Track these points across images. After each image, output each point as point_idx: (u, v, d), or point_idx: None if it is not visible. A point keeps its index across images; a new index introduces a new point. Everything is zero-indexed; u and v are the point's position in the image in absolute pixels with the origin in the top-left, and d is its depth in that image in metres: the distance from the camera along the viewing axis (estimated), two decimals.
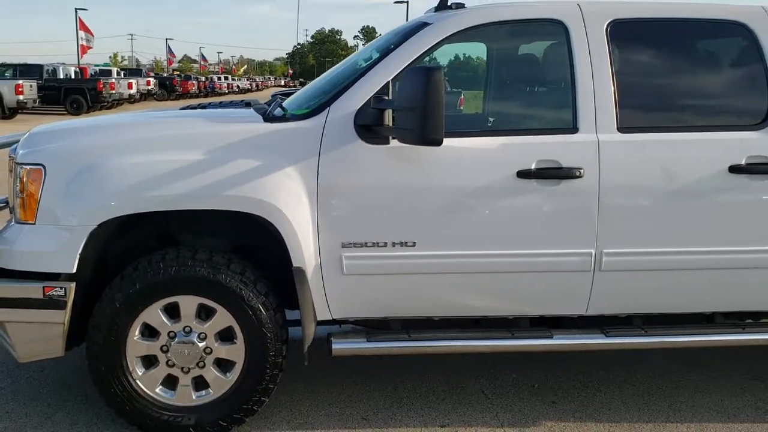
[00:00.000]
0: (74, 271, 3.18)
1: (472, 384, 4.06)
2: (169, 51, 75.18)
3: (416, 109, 2.96)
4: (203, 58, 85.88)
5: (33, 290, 3.18)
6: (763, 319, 3.85)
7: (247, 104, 4.08)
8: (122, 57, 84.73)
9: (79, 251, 3.16)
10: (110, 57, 79.88)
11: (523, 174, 3.33)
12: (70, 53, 37.82)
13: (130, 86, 32.61)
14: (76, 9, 40.75)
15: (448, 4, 3.70)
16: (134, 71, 49.56)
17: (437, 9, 3.72)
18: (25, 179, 3.24)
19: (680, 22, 3.62)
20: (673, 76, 3.60)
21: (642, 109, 3.50)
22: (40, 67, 28.96)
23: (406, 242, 3.33)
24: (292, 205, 3.21)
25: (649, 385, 4.08)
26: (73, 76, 31.23)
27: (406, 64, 3.34)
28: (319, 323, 3.52)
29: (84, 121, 4.08)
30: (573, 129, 3.39)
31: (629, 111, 3.43)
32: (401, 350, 3.51)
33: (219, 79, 62.60)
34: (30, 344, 3.30)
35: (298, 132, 3.31)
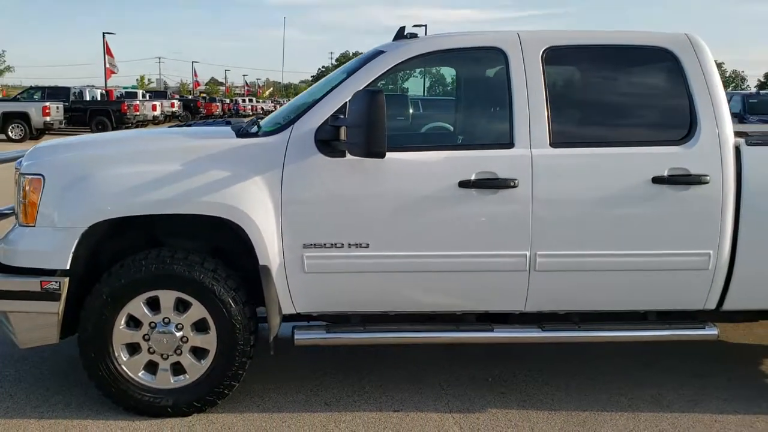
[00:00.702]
0: (68, 267, 3.65)
1: (431, 378, 4.45)
2: (195, 73, 76.67)
3: (362, 126, 3.40)
4: (226, 80, 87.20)
5: (32, 284, 3.65)
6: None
7: (228, 122, 4.55)
8: (149, 80, 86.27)
9: (72, 250, 3.63)
10: (137, 80, 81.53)
11: (464, 184, 3.74)
12: (100, 76, 38.94)
13: (154, 108, 33.53)
14: (103, 33, 41.98)
15: (405, 34, 4.14)
16: (159, 93, 50.72)
17: (395, 38, 4.16)
18: (27, 187, 3.73)
19: (610, 48, 4.04)
20: (602, 96, 4.02)
21: (573, 126, 3.91)
22: (67, 89, 29.98)
23: (360, 243, 3.75)
24: (258, 210, 3.66)
25: (594, 380, 4.44)
26: (99, 98, 32.20)
27: (361, 88, 3.77)
28: (288, 318, 3.95)
29: (81, 137, 4.58)
30: (509, 144, 3.81)
31: (561, 128, 3.83)
32: (356, 341, 3.93)
33: (243, 101, 63.66)
34: (29, 332, 3.76)
35: (265, 146, 3.77)
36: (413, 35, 4.10)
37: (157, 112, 33.84)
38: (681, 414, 4.00)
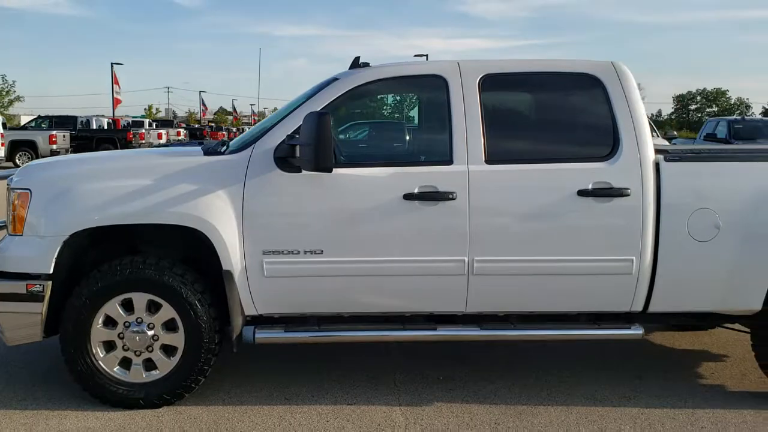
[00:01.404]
0: (51, 272, 4.07)
1: (386, 376, 4.83)
2: (203, 103, 77.77)
3: (311, 144, 3.84)
4: (234, 109, 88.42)
5: (18, 287, 4.07)
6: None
7: (200, 143, 4.99)
8: (157, 109, 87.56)
9: (55, 256, 4.06)
10: (145, 109, 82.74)
11: (408, 196, 4.16)
12: (111, 106, 39.64)
13: (159, 136, 34.17)
14: (111, 64, 42.94)
15: (359, 63, 4.58)
16: (166, 122, 51.52)
17: (350, 67, 4.60)
18: (16, 201, 4.17)
19: (542, 75, 4.48)
20: (533, 118, 4.45)
21: (507, 145, 4.32)
22: (74, 118, 30.68)
23: (315, 250, 4.17)
24: (222, 220, 4.08)
25: (537, 380, 4.80)
26: (105, 127, 32.89)
27: (316, 110, 4.20)
28: (253, 320, 4.35)
29: (68, 156, 5.03)
30: (449, 161, 4.23)
31: (496, 147, 4.25)
32: (311, 339, 4.33)
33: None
34: (16, 330, 4.18)
35: (229, 163, 4.20)
36: (366, 64, 4.54)
37: (163, 140, 34.48)
38: (612, 408, 4.36)
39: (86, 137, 29.21)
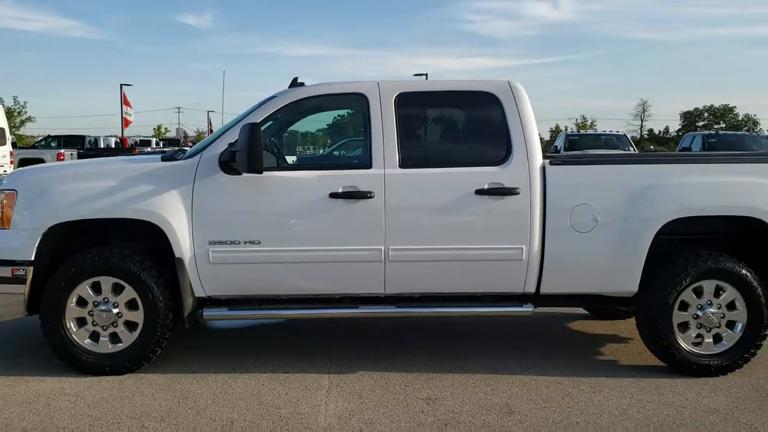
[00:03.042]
0: (32, 259, 4.88)
1: (323, 352, 5.59)
2: (210, 123, 78.97)
3: (244, 150, 4.65)
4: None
5: (5, 271, 4.88)
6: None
7: (163, 152, 5.80)
8: (166, 129, 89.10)
9: (36, 246, 4.87)
10: (154, 128, 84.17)
11: (333, 195, 4.94)
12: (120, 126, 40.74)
13: None
14: (120, 85, 44.08)
15: (297, 83, 5.39)
16: (173, 141, 52.63)
17: (290, 86, 5.41)
18: (4, 200, 4.99)
19: (448, 93, 5.28)
20: (440, 130, 5.25)
21: (417, 152, 5.10)
22: (82, 137, 31.80)
23: (253, 241, 4.95)
24: (174, 215, 4.87)
25: (453, 355, 5.54)
26: (113, 146, 33.95)
27: (257, 122, 5.00)
28: (204, 302, 5.13)
29: (50, 164, 5.86)
30: (368, 165, 5.01)
31: (408, 153, 5.03)
32: (250, 316, 5.14)
33: None
34: (3, 308, 4.97)
35: (181, 167, 5.01)
36: (301, 83, 5.35)
37: None
38: (510, 375, 5.09)
39: (93, 155, 30.18)
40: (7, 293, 4.92)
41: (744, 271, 5.03)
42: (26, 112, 47.04)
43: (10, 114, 45.16)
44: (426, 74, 44.66)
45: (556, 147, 22.28)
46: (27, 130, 51.80)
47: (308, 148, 6.33)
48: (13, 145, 25.98)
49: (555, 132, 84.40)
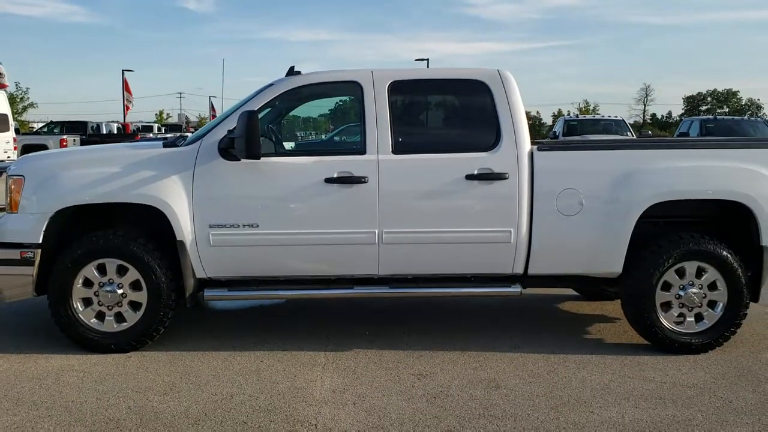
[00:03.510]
0: (40, 241, 5.08)
1: (322, 332, 5.80)
2: (212, 108, 79.04)
3: (242, 137, 4.84)
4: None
5: (14, 254, 5.09)
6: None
7: (164, 138, 6.00)
8: (168, 114, 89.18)
9: (43, 229, 5.07)
10: (156, 114, 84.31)
11: (329, 180, 5.14)
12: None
13: None
14: (122, 71, 44.17)
15: (293, 71, 5.57)
16: (175, 127, 52.79)
17: (287, 74, 5.59)
18: (12, 186, 5.19)
19: (439, 81, 5.47)
20: (431, 117, 5.43)
21: (410, 138, 5.29)
22: (84, 123, 32.02)
23: (251, 224, 5.15)
24: (175, 200, 5.08)
25: (445, 333, 5.76)
26: (115, 132, 34.13)
27: (255, 110, 5.18)
28: (205, 283, 5.34)
29: (56, 150, 6.06)
30: (362, 151, 5.20)
31: (401, 140, 5.22)
32: (248, 297, 5.36)
33: None
34: (12, 289, 5.19)
35: (182, 154, 5.20)
36: (298, 72, 5.53)
37: None
38: (500, 353, 5.30)
39: (96, 141, 30.32)
40: (16, 274, 5.13)
41: (725, 253, 5.21)
42: (28, 98, 47.20)
43: (12, 100, 45.29)
44: (427, 59, 44.73)
45: (555, 132, 22.53)
46: (29, 116, 51.92)
47: (309, 133, 6.54)
48: (16, 131, 26.16)
49: (557, 116, 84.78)
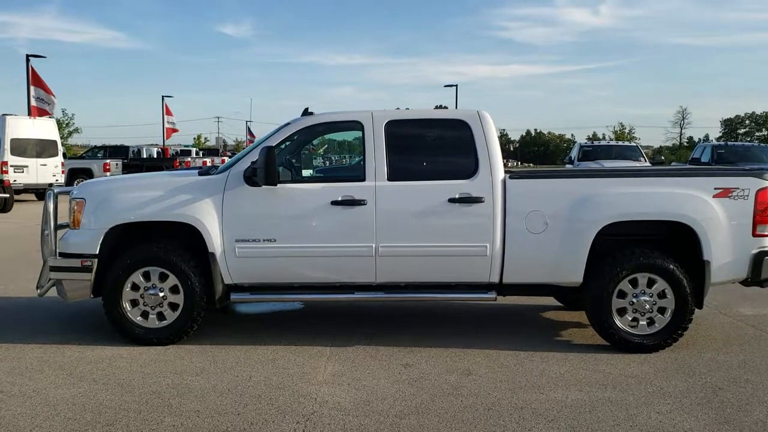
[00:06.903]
0: (97, 252, 6.21)
1: (330, 332, 6.82)
2: (249, 132, 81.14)
3: (261, 167, 5.93)
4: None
5: (75, 262, 6.22)
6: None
7: (200, 168, 7.13)
8: (206, 138, 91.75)
9: (100, 243, 6.20)
10: (194, 138, 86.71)
11: (334, 202, 6.19)
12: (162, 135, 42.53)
13: (204, 164, 36.94)
14: (162, 96, 46.11)
15: (307, 112, 6.66)
16: (212, 151, 54.61)
17: (302, 114, 6.68)
18: (75, 207, 6.34)
19: (427, 120, 6.51)
20: (421, 150, 6.45)
21: (402, 168, 6.31)
22: (126, 148, 33.70)
23: (270, 239, 6.22)
24: (208, 218, 6.17)
25: (433, 333, 6.72)
26: (155, 156, 35.80)
27: (273, 145, 6.26)
28: (231, 289, 6.42)
29: (110, 177, 7.22)
30: (362, 178, 6.25)
31: (395, 169, 6.25)
32: (268, 299, 6.43)
33: None
34: (74, 291, 6.32)
35: (213, 181, 6.31)
36: (311, 113, 6.62)
37: None
38: (478, 350, 6.26)
39: (137, 165, 32.01)
40: (78, 279, 6.26)
41: (672, 266, 6.12)
42: (74, 123, 49.40)
43: (59, 126, 47.54)
44: (456, 85, 46.00)
45: (571, 157, 23.34)
46: (73, 140, 54.15)
47: (325, 159, 7.69)
48: (63, 155, 27.83)
49: (592, 139, 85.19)
